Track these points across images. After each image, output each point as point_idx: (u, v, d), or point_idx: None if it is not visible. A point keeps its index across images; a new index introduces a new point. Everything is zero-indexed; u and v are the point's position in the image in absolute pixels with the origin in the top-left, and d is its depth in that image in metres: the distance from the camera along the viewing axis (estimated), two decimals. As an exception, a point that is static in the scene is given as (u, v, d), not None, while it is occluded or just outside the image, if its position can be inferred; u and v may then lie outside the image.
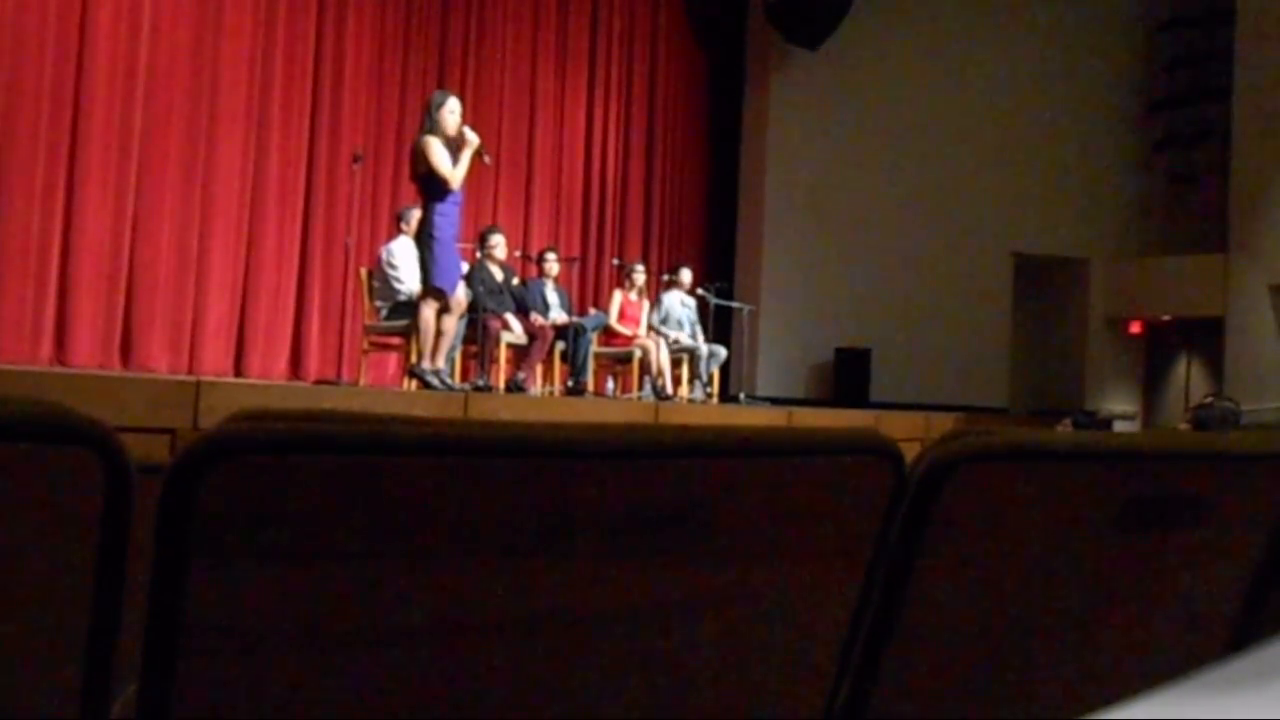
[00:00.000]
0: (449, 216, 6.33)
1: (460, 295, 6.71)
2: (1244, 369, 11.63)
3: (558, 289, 8.61)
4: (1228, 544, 1.29)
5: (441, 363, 6.60)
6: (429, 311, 6.44)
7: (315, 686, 0.90)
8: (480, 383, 7.20)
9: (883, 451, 1.07)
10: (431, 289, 6.41)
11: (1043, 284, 13.47)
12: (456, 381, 7.31)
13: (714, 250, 12.33)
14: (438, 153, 6.21)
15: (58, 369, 7.18)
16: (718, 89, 12.51)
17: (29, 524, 0.79)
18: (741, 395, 10.34)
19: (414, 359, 6.61)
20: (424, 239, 6.39)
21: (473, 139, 6.35)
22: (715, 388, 9.53)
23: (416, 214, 7.35)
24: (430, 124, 6.33)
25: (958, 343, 12.34)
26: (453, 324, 6.63)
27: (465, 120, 6.49)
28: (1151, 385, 13.66)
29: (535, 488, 0.91)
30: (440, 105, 6.37)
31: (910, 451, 1.11)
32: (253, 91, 8.63)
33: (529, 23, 10.72)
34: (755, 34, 12.39)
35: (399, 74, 9.67)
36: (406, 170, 6.73)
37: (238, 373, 8.47)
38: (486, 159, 6.68)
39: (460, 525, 0.89)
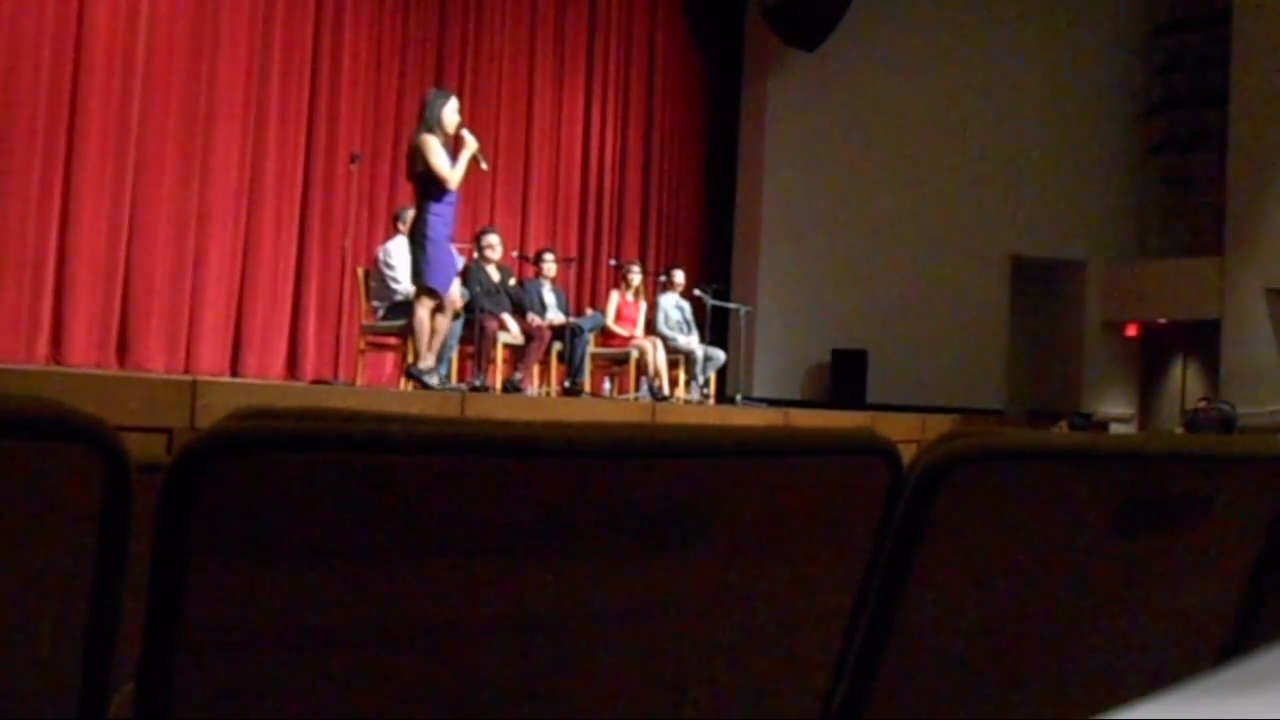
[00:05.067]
0: (443, 216, 6.32)
1: (455, 294, 6.68)
2: (1240, 372, 11.65)
3: (555, 289, 8.61)
4: (1224, 546, 1.30)
5: (433, 360, 6.58)
6: (424, 311, 6.42)
7: (312, 685, 0.90)
8: (477, 383, 7.19)
9: (880, 452, 1.07)
10: (425, 289, 6.40)
11: (1039, 286, 13.48)
12: (453, 381, 7.31)
13: (711, 251, 12.34)
14: (437, 152, 6.21)
15: (54, 368, 7.17)
16: (715, 90, 12.51)
17: (28, 521, 0.79)
18: (738, 396, 10.34)
19: (410, 359, 6.60)
20: (417, 238, 6.37)
21: (471, 142, 6.34)
22: (712, 389, 9.53)
23: (412, 213, 7.36)
24: (430, 122, 6.31)
25: (954, 345, 12.35)
26: (445, 323, 6.61)
27: (463, 121, 6.49)
28: (1147, 388, 13.68)
29: (532, 487, 0.91)
30: (443, 104, 6.35)
31: (906, 453, 1.11)
32: (250, 91, 8.63)
33: (527, 23, 10.72)
34: (752, 36, 12.39)
35: (397, 74, 9.67)
36: (404, 170, 6.74)
37: (234, 372, 8.47)
38: (484, 165, 6.66)
39: (457, 524, 0.89)
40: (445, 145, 6.29)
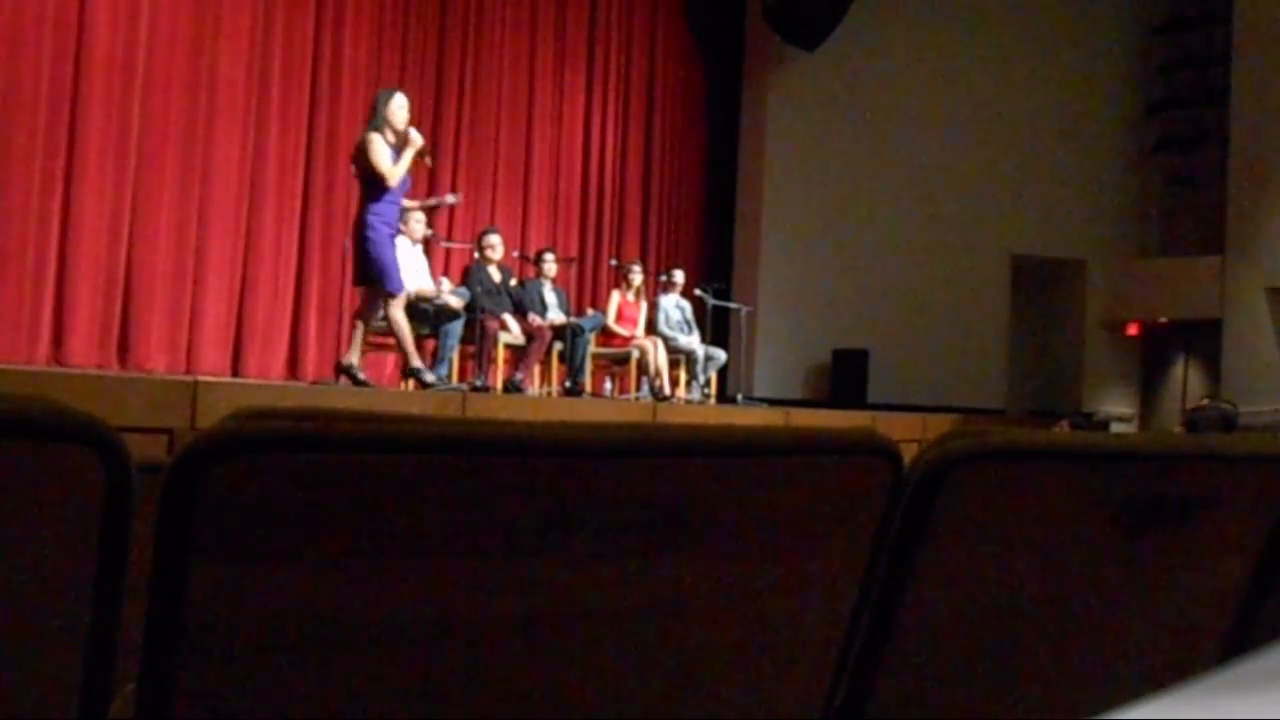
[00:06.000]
0: (383, 215, 6.23)
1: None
2: (1241, 371, 11.64)
3: (555, 289, 8.61)
4: (1225, 545, 1.30)
5: (355, 358, 6.48)
6: (397, 313, 6.33)
7: (313, 685, 0.90)
8: (478, 383, 7.19)
9: (882, 451, 1.07)
10: (383, 293, 6.30)
11: (1040, 286, 13.47)
12: (454, 381, 7.30)
13: (712, 251, 12.33)
14: (378, 149, 6.14)
15: (55, 369, 7.17)
16: (715, 89, 12.51)
17: (29, 522, 0.79)
18: (739, 396, 10.34)
19: (412, 363, 6.55)
20: (358, 239, 6.29)
21: (416, 139, 6.27)
22: (713, 389, 9.53)
23: (414, 214, 7.35)
24: (376, 120, 6.25)
25: (955, 344, 12.34)
26: (397, 313, 6.51)
27: (412, 119, 6.41)
28: (1148, 387, 13.67)
29: (534, 486, 0.91)
30: (388, 101, 6.29)
31: (908, 453, 1.11)
32: (251, 91, 8.62)
33: (527, 23, 10.72)
34: (753, 35, 12.39)
35: (397, 74, 9.66)
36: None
37: (235, 372, 8.46)
38: (428, 161, 6.61)
39: (459, 524, 0.89)
40: (394, 143, 6.23)
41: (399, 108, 6.30)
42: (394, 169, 6.17)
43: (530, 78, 10.76)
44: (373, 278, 6.28)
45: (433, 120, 9.94)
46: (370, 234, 6.18)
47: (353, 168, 6.45)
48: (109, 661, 0.84)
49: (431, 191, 8.91)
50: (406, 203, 6.59)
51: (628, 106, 11.67)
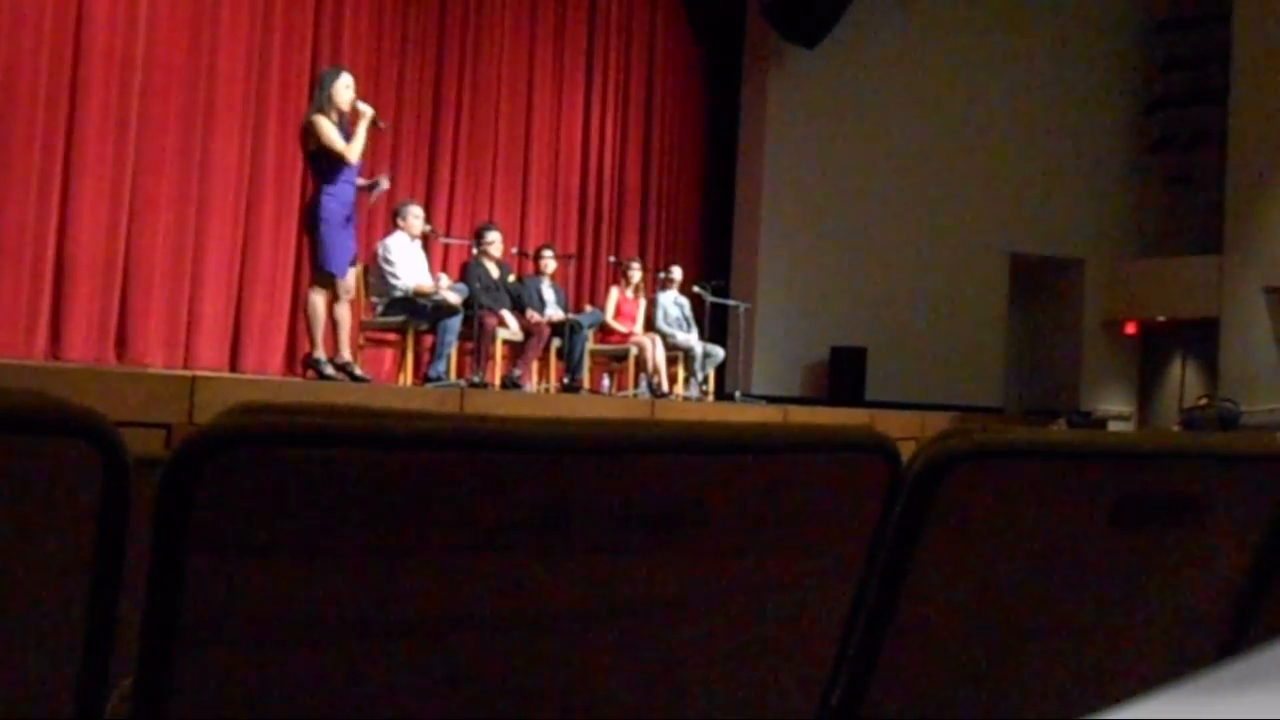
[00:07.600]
0: (338, 197, 6.10)
1: (351, 281, 6.39)
2: (1238, 371, 11.66)
3: (554, 286, 8.61)
4: (1222, 544, 1.30)
5: (347, 354, 6.38)
6: (318, 299, 6.20)
7: (311, 680, 0.90)
8: (476, 379, 7.19)
9: (879, 449, 1.07)
10: (320, 274, 6.18)
11: (1038, 284, 13.49)
12: (452, 377, 7.30)
13: (710, 248, 12.33)
14: (328, 129, 6.03)
15: (53, 363, 7.16)
16: (715, 87, 12.50)
17: (26, 517, 0.78)
18: (737, 393, 10.34)
19: (311, 349, 6.42)
20: (311, 221, 6.15)
21: (366, 110, 6.16)
22: (711, 386, 9.54)
23: (412, 209, 7.34)
24: (320, 101, 6.14)
25: (953, 342, 12.35)
26: (345, 313, 6.34)
27: (357, 95, 6.29)
28: (1146, 386, 13.69)
29: (532, 483, 0.91)
30: (333, 81, 6.18)
31: (905, 451, 1.11)
32: (249, 85, 8.61)
33: (526, 20, 10.71)
34: (753, 32, 12.39)
35: (396, 70, 9.66)
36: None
37: (233, 367, 8.46)
38: (383, 125, 6.46)
39: (456, 520, 0.89)
40: (340, 122, 6.13)
41: (345, 87, 6.17)
42: (351, 146, 6.06)
43: (530, 75, 10.76)
44: (318, 261, 6.15)
45: (432, 118, 9.94)
46: (324, 215, 6.06)
47: (302, 151, 6.29)
48: (106, 655, 0.84)
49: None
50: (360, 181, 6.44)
51: (627, 103, 11.67)
